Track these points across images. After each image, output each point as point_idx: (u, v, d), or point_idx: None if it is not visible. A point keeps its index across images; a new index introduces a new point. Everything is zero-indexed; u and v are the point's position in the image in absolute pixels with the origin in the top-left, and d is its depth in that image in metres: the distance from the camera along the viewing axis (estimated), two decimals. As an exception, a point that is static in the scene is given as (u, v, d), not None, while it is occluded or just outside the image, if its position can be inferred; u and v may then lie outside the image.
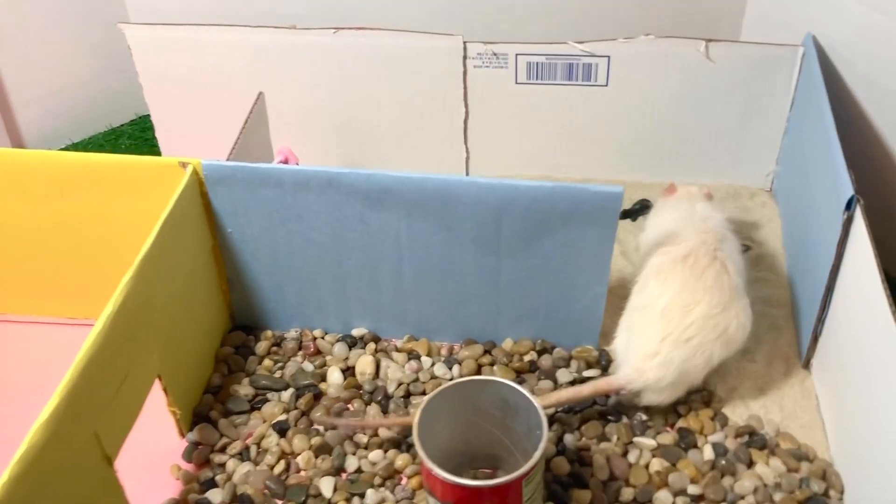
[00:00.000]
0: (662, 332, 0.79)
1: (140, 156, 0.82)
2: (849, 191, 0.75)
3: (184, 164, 0.81)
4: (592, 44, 0.99)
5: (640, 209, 1.05)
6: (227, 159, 0.84)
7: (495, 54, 1.01)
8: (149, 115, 1.24)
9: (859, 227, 0.74)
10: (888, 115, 0.93)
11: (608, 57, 1.00)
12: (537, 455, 0.65)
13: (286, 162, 0.93)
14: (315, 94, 1.06)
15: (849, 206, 0.75)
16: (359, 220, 0.82)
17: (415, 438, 0.67)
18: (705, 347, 0.79)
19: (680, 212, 0.90)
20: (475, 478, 0.76)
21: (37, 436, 0.59)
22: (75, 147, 1.22)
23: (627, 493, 0.75)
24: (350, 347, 0.90)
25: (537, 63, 1.01)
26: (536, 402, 0.69)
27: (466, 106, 1.06)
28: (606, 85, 1.02)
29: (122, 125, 1.26)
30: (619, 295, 0.88)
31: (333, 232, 0.84)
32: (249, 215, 0.84)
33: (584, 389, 0.80)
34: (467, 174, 1.12)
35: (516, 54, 1.01)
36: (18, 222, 0.87)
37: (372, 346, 0.90)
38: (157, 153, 1.18)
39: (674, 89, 1.02)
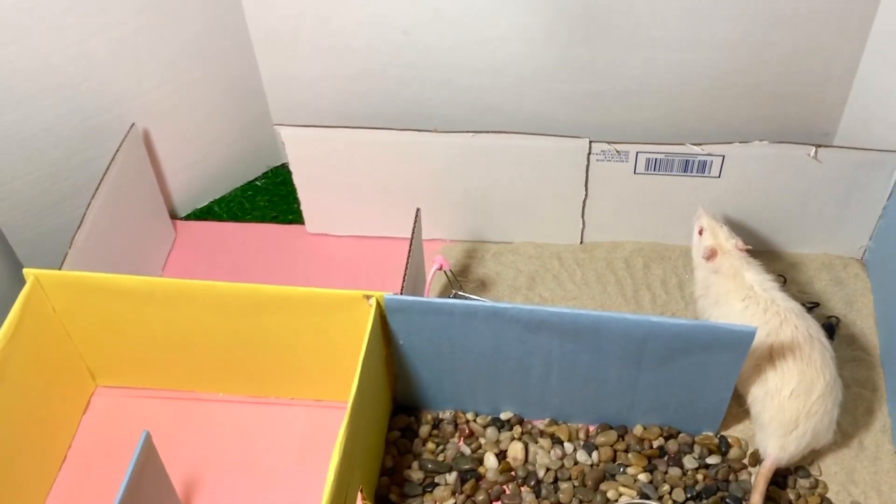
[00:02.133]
0: (795, 413, 0.95)
1: (327, 289, 0.94)
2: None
3: (368, 297, 0.94)
4: (709, 146, 1.08)
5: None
6: (402, 290, 0.96)
7: (617, 151, 1.11)
8: (279, 167, 1.38)
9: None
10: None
11: (723, 156, 1.09)
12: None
13: (441, 268, 1.05)
14: (450, 179, 1.17)
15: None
16: (517, 339, 0.95)
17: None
18: (828, 413, 0.96)
19: (741, 294, 1.02)
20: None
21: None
22: (218, 204, 1.34)
23: (752, 579, 0.91)
24: (499, 430, 1.05)
25: (656, 159, 1.11)
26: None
27: (587, 189, 1.16)
28: (719, 177, 1.12)
29: (255, 179, 1.38)
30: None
31: (493, 347, 0.97)
32: (421, 333, 0.97)
33: (761, 485, 0.95)
34: (581, 241, 1.23)
35: (637, 152, 1.10)
36: (220, 328, 1.00)
37: (518, 428, 1.04)
38: (293, 209, 1.30)
39: (781, 182, 1.11)
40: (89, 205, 1.05)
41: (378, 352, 0.97)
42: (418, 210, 1.04)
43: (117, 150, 1.11)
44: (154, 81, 1.17)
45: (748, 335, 0.89)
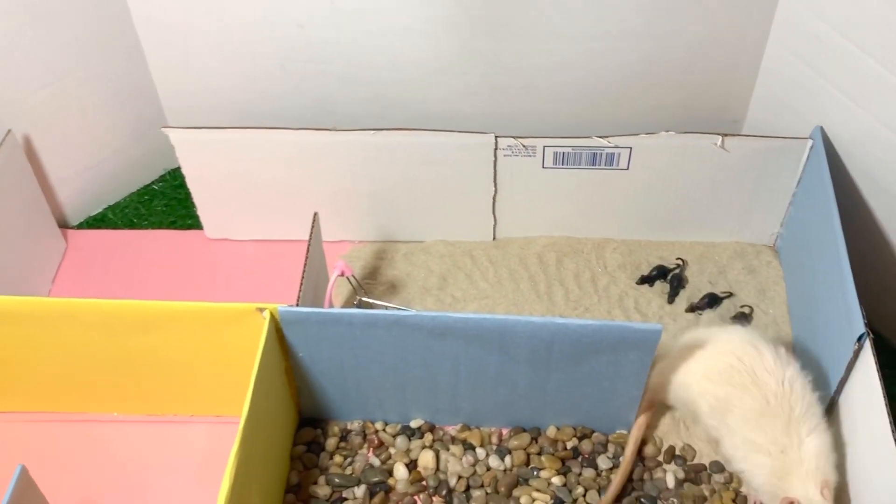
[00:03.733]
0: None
1: (218, 303, 0.89)
2: (860, 327, 0.85)
3: (261, 310, 0.89)
4: (616, 138, 1.06)
5: (656, 275, 1.15)
6: (298, 301, 0.92)
7: (524, 146, 1.07)
8: (176, 170, 1.31)
9: (867, 359, 0.85)
10: (889, 211, 1.02)
11: (630, 148, 1.07)
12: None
13: (342, 275, 1.01)
14: (353, 179, 1.12)
15: (860, 338, 0.86)
16: (422, 346, 0.91)
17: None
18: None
19: None
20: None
21: None
22: (112, 211, 1.27)
23: (667, 582, 0.89)
24: (409, 438, 1.01)
25: (563, 152, 1.08)
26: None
27: (496, 185, 1.13)
28: (627, 168, 1.09)
29: (152, 182, 1.31)
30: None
31: (398, 355, 0.93)
32: (320, 345, 0.92)
33: (628, 452, 0.95)
34: (494, 238, 1.20)
35: (544, 146, 1.07)
36: (109, 348, 0.94)
37: (429, 436, 1.01)
38: (193, 212, 1.23)
39: (689, 172, 1.10)
40: (-40, 220, 0.98)
41: (276, 365, 0.92)
42: (316, 214, 0.99)
43: (-8, 160, 1.04)
44: (33, 85, 1.10)
45: (654, 333, 0.87)
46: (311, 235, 0.96)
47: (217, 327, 0.91)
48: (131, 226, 1.26)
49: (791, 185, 1.11)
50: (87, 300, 0.90)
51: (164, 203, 1.28)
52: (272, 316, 0.89)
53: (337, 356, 0.93)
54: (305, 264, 0.94)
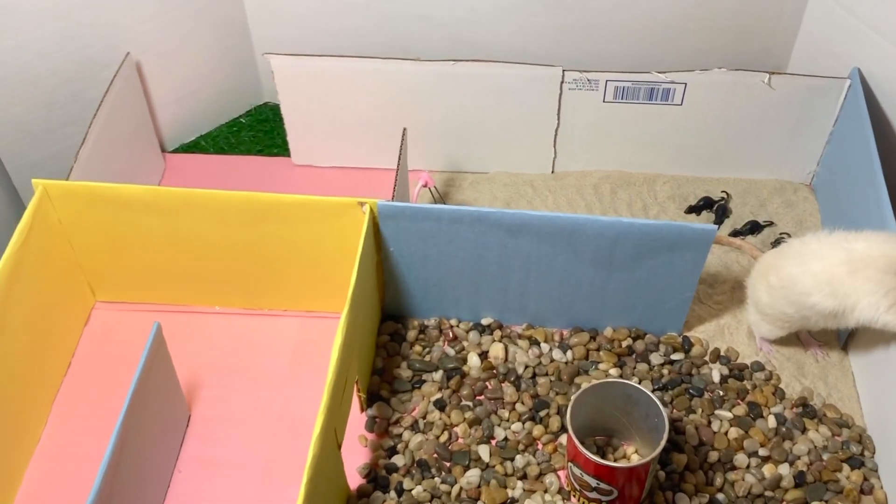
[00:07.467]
0: None
1: (324, 196, 1.01)
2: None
3: (362, 204, 1.01)
4: (673, 74, 1.17)
5: (703, 205, 1.26)
6: (392, 198, 1.04)
7: (589, 80, 1.19)
8: (262, 106, 1.43)
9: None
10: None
11: (685, 84, 1.18)
12: (663, 442, 0.89)
13: (426, 185, 1.13)
14: (430, 110, 1.24)
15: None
16: (499, 244, 1.03)
17: (568, 425, 0.91)
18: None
19: None
20: (595, 443, 1.01)
21: (315, 448, 0.81)
22: (204, 139, 1.40)
23: (714, 456, 1.00)
24: (480, 334, 1.13)
25: (624, 87, 1.20)
26: (654, 397, 0.92)
27: (559, 118, 1.24)
28: (681, 104, 1.21)
29: (240, 116, 1.43)
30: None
31: (476, 252, 1.04)
32: (410, 239, 1.04)
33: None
34: (552, 170, 1.32)
35: (606, 80, 1.19)
36: (218, 239, 1.06)
37: (498, 332, 1.12)
38: (277, 143, 1.37)
39: (737, 108, 1.21)
40: (91, 124, 1.10)
41: (370, 258, 1.04)
42: (405, 129, 1.11)
43: (115, 76, 1.16)
44: (147, 14, 1.22)
45: (709, 233, 0.98)
46: (401, 146, 1.08)
47: (319, 220, 1.03)
48: (222, 153, 1.38)
49: (828, 124, 1.22)
50: (204, 190, 1.02)
51: (251, 134, 1.41)
52: (371, 210, 1.01)
53: (422, 251, 1.05)
54: (398, 167, 1.06)
